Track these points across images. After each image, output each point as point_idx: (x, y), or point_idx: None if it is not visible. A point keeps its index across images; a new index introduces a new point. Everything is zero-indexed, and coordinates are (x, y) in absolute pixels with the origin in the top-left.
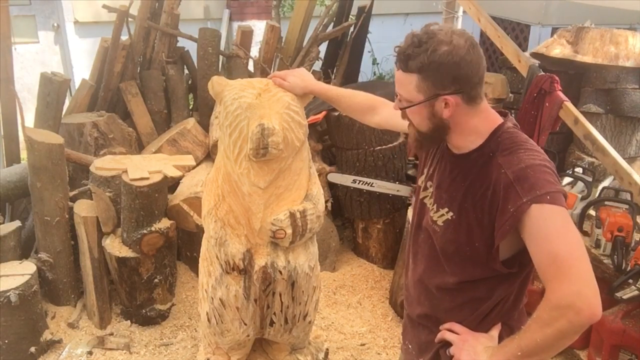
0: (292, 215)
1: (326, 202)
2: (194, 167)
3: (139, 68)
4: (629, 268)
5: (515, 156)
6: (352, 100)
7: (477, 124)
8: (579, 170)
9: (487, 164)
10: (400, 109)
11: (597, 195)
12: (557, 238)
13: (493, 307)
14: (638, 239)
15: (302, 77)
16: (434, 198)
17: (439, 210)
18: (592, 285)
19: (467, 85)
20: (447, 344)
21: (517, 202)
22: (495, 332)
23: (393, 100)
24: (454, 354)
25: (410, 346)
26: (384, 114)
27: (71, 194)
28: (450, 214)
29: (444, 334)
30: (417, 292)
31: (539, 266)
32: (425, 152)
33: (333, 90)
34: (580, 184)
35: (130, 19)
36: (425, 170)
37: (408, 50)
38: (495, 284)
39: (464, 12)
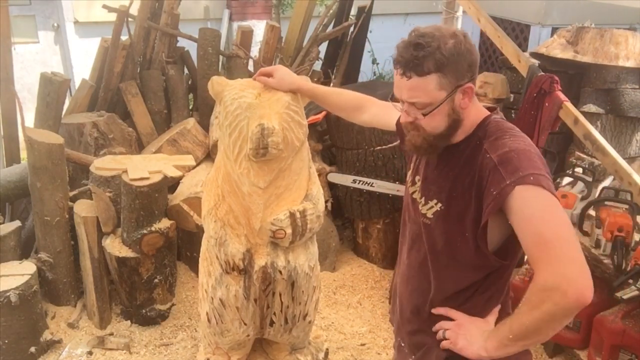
0: (292, 215)
1: (326, 202)
2: (194, 167)
3: (139, 68)
4: (629, 268)
5: (500, 141)
6: (340, 98)
7: (474, 114)
8: (579, 170)
9: (474, 152)
10: (425, 115)
11: (597, 195)
12: (541, 219)
13: (485, 301)
14: (638, 239)
15: (289, 73)
16: (421, 191)
17: (427, 203)
18: (579, 266)
19: (476, 71)
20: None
21: (500, 185)
22: (492, 317)
23: (388, 100)
24: (450, 339)
25: (402, 344)
26: (372, 112)
27: (71, 194)
28: (439, 205)
29: (441, 323)
30: (407, 288)
31: (526, 248)
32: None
33: (320, 89)
34: (580, 184)
35: (130, 19)
36: (412, 165)
37: (418, 55)
38: (483, 278)
39: (464, 12)
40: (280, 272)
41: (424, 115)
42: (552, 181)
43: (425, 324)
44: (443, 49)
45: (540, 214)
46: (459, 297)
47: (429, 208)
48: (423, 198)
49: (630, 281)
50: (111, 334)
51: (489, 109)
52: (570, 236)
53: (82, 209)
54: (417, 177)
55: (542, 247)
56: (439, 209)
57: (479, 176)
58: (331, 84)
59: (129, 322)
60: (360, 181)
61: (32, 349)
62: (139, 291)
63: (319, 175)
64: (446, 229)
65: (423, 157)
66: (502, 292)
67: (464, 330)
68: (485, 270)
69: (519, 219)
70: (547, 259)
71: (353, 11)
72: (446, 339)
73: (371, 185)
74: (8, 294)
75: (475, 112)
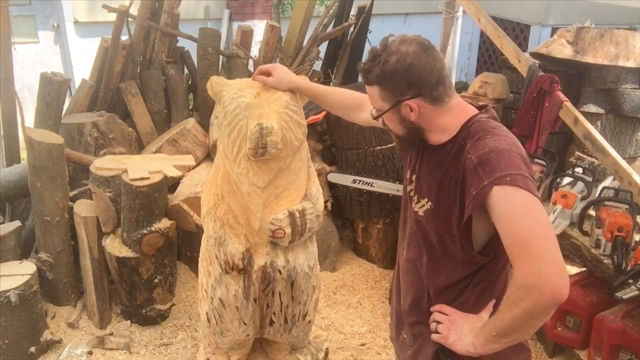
0: (291, 215)
1: (326, 202)
2: (194, 167)
3: (139, 68)
4: (629, 268)
5: (481, 141)
6: (340, 97)
7: (449, 121)
8: (579, 170)
9: (459, 152)
10: (374, 117)
11: (597, 195)
12: (518, 218)
13: (478, 294)
14: (638, 239)
15: (288, 72)
16: (415, 189)
17: (419, 201)
18: (556, 264)
19: (424, 87)
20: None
21: (479, 185)
22: (485, 313)
23: None
24: (442, 333)
25: (405, 335)
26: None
27: (71, 194)
28: (430, 203)
29: (434, 316)
30: (406, 281)
31: (506, 247)
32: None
33: (320, 88)
34: (580, 184)
35: (130, 19)
36: (410, 164)
37: (366, 66)
38: (474, 273)
39: (464, 12)
40: (280, 271)
41: (376, 117)
42: (532, 180)
43: (423, 315)
44: (382, 65)
45: (517, 213)
46: (452, 291)
47: (421, 206)
48: (416, 196)
49: (630, 281)
50: (111, 334)
51: (479, 107)
52: (547, 234)
53: (82, 209)
54: (414, 176)
55: (519, 246)
56: (429, 207)
57: (462, 176)
58: (331, 84)
59: (129, 322)
60: (360, 181)
61: (32, 349)
62: (139, 291)
63: (319, 175)
64: (436, 227)
65: (419, 156)
66: (495, 286)
67: (455, 326)
68: (475, 265)
69: (498, 218)
70: (525, 257)
71: (353, 11)
72: (438, 333)
73: (371, 185)
74: (8, 294)
75: (458, 113)
